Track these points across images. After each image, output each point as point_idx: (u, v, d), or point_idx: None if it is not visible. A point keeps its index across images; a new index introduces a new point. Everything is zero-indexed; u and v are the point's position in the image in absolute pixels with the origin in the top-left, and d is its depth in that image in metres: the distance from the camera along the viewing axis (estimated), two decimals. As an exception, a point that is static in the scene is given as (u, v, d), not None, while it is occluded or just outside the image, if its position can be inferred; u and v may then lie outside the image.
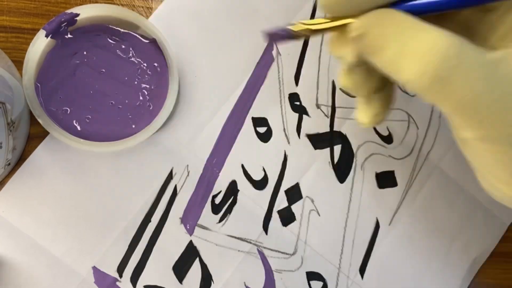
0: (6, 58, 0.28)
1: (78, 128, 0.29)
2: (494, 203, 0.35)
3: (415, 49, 0.16)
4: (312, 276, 0.32)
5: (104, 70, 0.29)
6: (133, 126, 0.29)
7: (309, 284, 0.32)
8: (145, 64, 0.30)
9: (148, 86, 0.30)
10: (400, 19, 0.17)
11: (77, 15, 0.28)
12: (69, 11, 0.28)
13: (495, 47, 0.18)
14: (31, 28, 0.30)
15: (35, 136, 0.29)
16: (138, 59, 0.30)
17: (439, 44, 0.15)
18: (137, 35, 0.30)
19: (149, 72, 0.30)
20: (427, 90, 0.16)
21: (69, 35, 0.29)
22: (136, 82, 0.30)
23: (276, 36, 0.20)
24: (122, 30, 0.30)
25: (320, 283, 0.32)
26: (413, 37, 0.16)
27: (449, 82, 0.15)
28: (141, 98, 0.30)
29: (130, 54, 0.30)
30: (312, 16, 0.33)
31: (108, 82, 0.29)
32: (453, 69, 0.15)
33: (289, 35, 0.20)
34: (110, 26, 0.29)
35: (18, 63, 0.29)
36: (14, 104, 0.26)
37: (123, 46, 0.30)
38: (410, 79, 0.16)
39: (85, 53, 0.29)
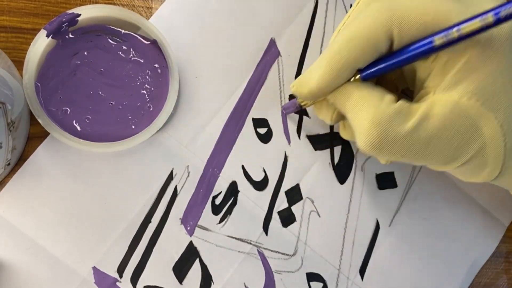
0: (6, 58, 0.28)
1: (78, 128, 0.29)
2: (493, 204, 0.35)
3: (358, 127, 0.24)
4: (312, 277, 0.32)
5: (104, 71, 0.29)
6: (133, 127, 0.29)
7: (309, 285, 0.32)
8: (145, 65, 0.30)
9: (148, 87, 0.30)
10: (351, 94, 0.24)
11: (78, 15, 0.28)
12: (70, 11, 0.28)
13: (428, 88, 0.24)
14: (31, 28, 0.30)
15: (35, 136, 0.29)
16: (138, 60, 0.30)
17: (371, 129, 0.23)
18: (138, 36, 0.30)
19: (150, 73, 0.30)
20: (367, 153, 0.25)
21: (70, 35, 0.29)
22: (136, 83, 0.30)
23: (290, 109, 0.31)
24: (123, 31, 0.30)
25: (320, 284, 0.32)
26: (357, 115, 0.24)
27: (381, 152, 0.23)
28: (141, 99, 0.30)
29: (131, 55, 0.30)
30: (313, 16, 0.33)
31: (109, 83, 0.29)
32: (382, 144, 0.23)
33: (298, 107, 0.29)
34: (111, 26, 0.29)
35: (18, 63, 0.29)
36: (14, 104, 0.26)
37: (124, 47, 0.30)
38: (358, 146, 0.24)
39: (85, 53, 0.29)
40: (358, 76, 0.24)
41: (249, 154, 0.32)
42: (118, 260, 0.30)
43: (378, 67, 0.24)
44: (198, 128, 0.31)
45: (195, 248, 0.31)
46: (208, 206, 0.31)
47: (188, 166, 0.31)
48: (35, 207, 0.29)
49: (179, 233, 0.31)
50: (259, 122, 0.32)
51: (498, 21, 0.20)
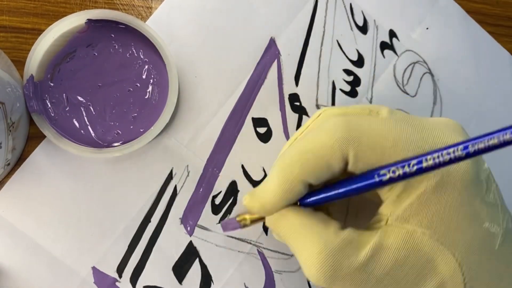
0: (5, 58, 0.28)
1: (79, 129, 0.29)
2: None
3: (304, 259, 0.22)
4: (312, 276, 0.32)
5: (106, 73, 0.29)
6: (131, 127, 0.29)
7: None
8: (147, 66, 0.30)
9: (150, 88, 0.30)
10: (291, 221, 0.22)
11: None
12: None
13: (381, 215, 0.23)
14: (31, 28, 0.30)
15: (35, 136, 0.29)
16: (140, 61, 0.30)
17: (320, 262, 0.21)
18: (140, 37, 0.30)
19: (150, 73, 0.30)
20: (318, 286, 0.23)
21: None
22: (138, 85, 0.30)
23: (229, 226, 0.26)
24: (125, 32, 0.30)
25: (320, 284, 0.32)
26: (301, 245, 0.22)
27: (333, 285, 0.22)
28: (141, 99, 0.30)
29: (134, 55, 0.30)
30: (313, 15, 0.33)
31: (110, 85, 0.29)
32: (335, 279, 0.21)
33: (238, 225, 0.25)
34: (115, 25, 0.29)
35: (18, 63, 0.29)
36: (14, 104, 0.26)
37: (127, 48, 0.30)
38: (306, 276, 0.22)
39: (86, 55, 0.29)
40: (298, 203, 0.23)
41: (249, 154, 0.32)
42: (117, 260, 0.30)
43: (321, 196, 0.22)
44: (198, 128, 0.31)
45: (195, 248, 0.31)
46: (208, 205, 0.31)
47: (187, 165, 0.31)
48: (34, 206, 0.29)
49: (179, 233, 0.31)
50: (259, 122, 0.32)
51: (468, 156, 0.18)
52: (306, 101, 0.33)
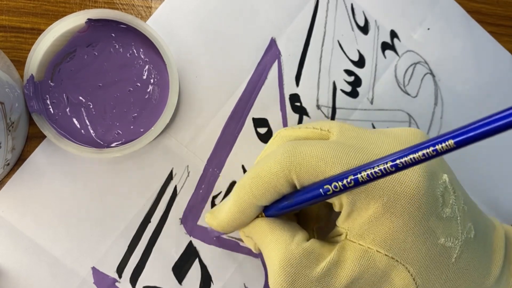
0: (5, 58, 0.28)
1: (80, 129, 0.29)
2: (491, 207, 0.35)
3: (269, 266, 0.24)
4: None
5: (106, 72, 0.29)
6: (132, 127, 0.29)
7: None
8: (147, 66, 0.30)
9: (151, 88, 0.30)
10: (263, 229, 0.24)
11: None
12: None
13: (340, 228, 0.24)
14: (30, 27, 0.30)
15: (35, 136, 0.29)
16: (140, 61, 0.30)
17: (280, 270, 0.23)
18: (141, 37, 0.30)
19: (150, 73, 0.30)
20: None
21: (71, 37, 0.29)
22: (139, 85, 0.30)
23: (213, 233, 0.30)
24: (125, 32, 0.29)
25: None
26: (269, 253, 0.24)
27: None
28: (142, 99, 0.30)
29: (134, 55, 0.30)
30: (314, 15, 0.33)
31: (110, 85, 0.29)
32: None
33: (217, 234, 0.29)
34: (115, 25, 0.29)
35: (17, 63, 0.29)
36: (14, 104, 0.26)
37: (127, 47, 0.29)
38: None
39: (86, 55, 0.29)
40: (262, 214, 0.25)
41: (249, 154, 0.32)
42: (117, 260, 0.30)
43: (278, 207, 0.24)
44: (198, 128, 0.31)
45: (195, 248, 0.31)
46: (208, 206, 0.31)
47: (188, 166, 0.31)
48: (34, 206, 0.29)
49: (179, 233, 0.31)
50: (259, 122, 0.32)
51: (397, 169, 0.19)
52: (306, 102, 0.33)
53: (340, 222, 0.24)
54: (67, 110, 0.29)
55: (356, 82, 0.34)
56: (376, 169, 0.19)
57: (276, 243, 0.23)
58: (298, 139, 0.26)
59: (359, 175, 0.20)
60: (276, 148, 0.25)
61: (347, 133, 0.25)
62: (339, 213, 0.24)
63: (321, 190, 0.22)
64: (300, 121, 0.33)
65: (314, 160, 0.23)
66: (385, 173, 0.19)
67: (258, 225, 0.25)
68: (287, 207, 0.24)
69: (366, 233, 0.22)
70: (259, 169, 0.24)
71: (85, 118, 0.29)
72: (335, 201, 0.23)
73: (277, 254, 0.23)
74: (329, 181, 0.22)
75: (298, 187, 0.23)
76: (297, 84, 0.33)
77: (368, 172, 0.20)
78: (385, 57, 0.34)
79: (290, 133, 0.27)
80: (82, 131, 0.29)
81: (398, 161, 0.18)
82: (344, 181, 0.21)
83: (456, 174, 0.25)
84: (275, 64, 0.32)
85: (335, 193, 0.21)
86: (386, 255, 0.22)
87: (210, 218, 0.27)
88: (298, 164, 0.23)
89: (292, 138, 0.26)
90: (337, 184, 0.21)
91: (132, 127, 0.29)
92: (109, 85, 0.29)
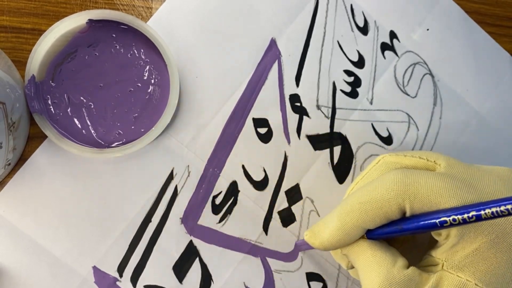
0: (6, 58, 0.28)
1: (81, 129, 0.29)
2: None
3: (365, 286, 0.24)
4: (312, 277, 0.32)
5: (107, 73, 0.29)
6: (133, 127, 0.29)
7: (309, 285, 0.32)
8: (148, 66, 0.30)
9: (151, 88, 0.30)
10: (364, 251, 0.25)
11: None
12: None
13: (437, 259, 0.24)
14: (31, 28, 0.30)
15: (36, 136, 0.29)
16: (141, 61, 0.30)
17: None
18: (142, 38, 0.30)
19: (153, 75, 0.30)
20: None
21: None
22: (140, 85, 0.30)
23: (303, 247, 0.30)
24: (126, 32, 0.29)
25: (320, 284, 0.32)
26: (368, 274, 0.24)
27: None
28: (142, 99, 0.30)
29: (135, 56, 0.30)
30: (314, 16, 0.33)
31: (111, 85, 0.29)
32: None
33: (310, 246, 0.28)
34: (116, 26, 0.29)
35: (18, 63, 0.29)
36: (15, 104, 0.26)
37: (128, 48, 0.30)
38: None
39: (87, 55, 0.29)
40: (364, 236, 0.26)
41: (249, 154, 0.32)
42: (118, 259, 0.30)
43: (384, 231, 0.25)
44: (199, 128, 0.31)
45: (195, 247, 0.31)
46: (208, 205, 0.31)
47: (188, 165, 0.31)
48: (35, 206, 0.29)
49: (179, 232, 0.31)
50: (260, 122, 0.32)
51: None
52: (306, 102, 0.33)
53: (439, 252, 0.24)
54: (68, 110, 0.29)
55: (356, 83, 0.34)
56: (503, 208, 0.20)
57: (378, 265, 0.24)
58: (404, 167, 0.26)
59: (482, 212, 0.21)
60: (385, 175, 0.25)
61: (455, 168, 0.25)
62: (426, 240, 0.25)
63: (437, 221, 0.23)
64: (300, 122, 0.33)
65: (429, 191, 0.23)
66: (507, 214, 0.20)
67: (360, 246, 0.25)
68: (394, 232, 0.25)
69: (467, 266, 0.23)
70: (368, 194, 0.25)
71: (86, 118, 0.29)
72: (443, 232, 0.24)
73: (378, 276, 0.24)
74: (446, 213, 0.22)
75: (408, 215, 0.24)
76: (297, 84, 0.33)
77: (493, 210, 0.21)
78: (384, 57, 0.34)
79: (395, 160, 0.27)
80: (83, 131, 0.29)
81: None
82: (465, 215, 0.21)
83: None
84: (275, 64, 0.33)
85: (452, 225, 0.22)
86: None
87: (311, 237, 0.27)
88: (413, 194, 0.23)
89: (399, 166, 0.27)
90: (456, 217, 0.22)
91: (133, 127, 0.29)
92: (110, 86, 0.29)
